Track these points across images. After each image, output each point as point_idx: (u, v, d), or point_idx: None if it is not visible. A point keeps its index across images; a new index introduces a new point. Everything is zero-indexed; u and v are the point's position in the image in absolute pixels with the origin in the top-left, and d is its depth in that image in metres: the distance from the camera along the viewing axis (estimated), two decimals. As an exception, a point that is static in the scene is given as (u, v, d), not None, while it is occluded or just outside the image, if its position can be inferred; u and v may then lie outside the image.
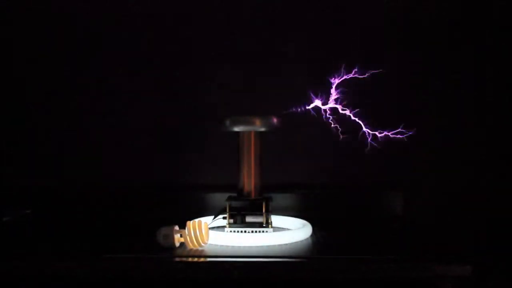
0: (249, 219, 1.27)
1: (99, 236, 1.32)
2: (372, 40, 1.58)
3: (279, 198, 1.49)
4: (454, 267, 1.03)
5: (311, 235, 1.28)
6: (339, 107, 1.29)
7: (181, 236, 1.15)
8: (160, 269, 1.06)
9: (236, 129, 1.30)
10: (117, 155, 1.61)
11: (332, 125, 1.29)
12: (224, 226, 1.28)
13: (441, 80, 1.60)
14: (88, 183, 1.60)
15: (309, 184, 1.60)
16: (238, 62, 1.60)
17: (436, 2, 1.58)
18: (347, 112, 1.29)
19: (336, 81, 1.30)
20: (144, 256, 1.09)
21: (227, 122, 1.29)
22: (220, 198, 1.43)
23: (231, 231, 1.26)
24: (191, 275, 1.07)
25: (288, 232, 1.24)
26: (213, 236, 1.19)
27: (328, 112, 1.29)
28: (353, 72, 1.30)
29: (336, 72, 1.30)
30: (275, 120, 1.30)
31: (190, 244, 1.15)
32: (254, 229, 1.26)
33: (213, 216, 1.31)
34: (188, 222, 1.16)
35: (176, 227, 1.16)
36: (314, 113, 1.30)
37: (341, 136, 1.29)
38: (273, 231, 1.26)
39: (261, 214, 1.27)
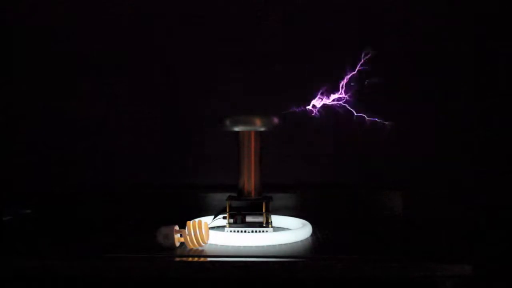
0: (249, 219, 1.27)
1: (99, 236, 1.32)
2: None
3: (279, 198, 1.49)
4: (454, 267, 1.03)
5: (311, 235, 1.28)
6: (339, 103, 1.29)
7: (181, 236, 1.15)
8: (160, 269, 1.06)
9: (236, 129, 1.29)
10: (117, 155, 1.61)
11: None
12: (224, 226, 1.28)
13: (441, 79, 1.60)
14: (88, 183, 1.60)
15: (309, 184, 1.60)
16: (238, 62, 1.60)
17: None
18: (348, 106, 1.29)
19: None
20: (144, 256, 1.09)
21: (227, 122, 1.29)
22: (220, 198, 1.43)
23: (231, 231, 1.26)
24: (191, 275, 1.07)
25: (288, 232, 1.24)
26: (213, 236, 1.19)
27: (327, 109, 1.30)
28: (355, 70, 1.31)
29: (335, 72, 1.31)
30: (275, 119, 1.30)
31: (190, 244, 1.15)
32: (254, 229, 1.26)
33: (213, 216, 1.31)
34: (188, 222, 1.16)
35: (176, 227, 1.16)
36: (314, 113, 1.30)
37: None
38: (273, 231, 1.26)
39: (261, 214, 1.27)
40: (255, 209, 1.27)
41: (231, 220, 1.28)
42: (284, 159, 1.59)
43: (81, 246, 1.22)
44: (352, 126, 1.34)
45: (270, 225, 1.27)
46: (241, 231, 1.26)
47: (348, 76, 1.30)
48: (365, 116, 1.32)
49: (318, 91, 1.30)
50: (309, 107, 1.30)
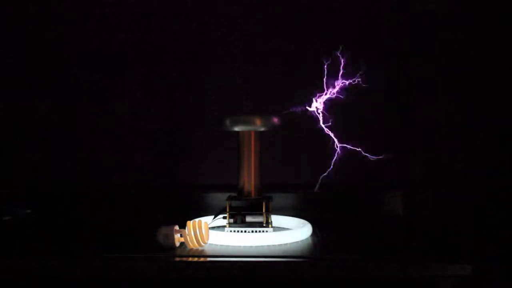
0: (249, 219, 1.27)
1: (99, 236, 1.32)
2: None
3: (279, 198, 1.49)
4: (454, 267, 1.03)
5: (311, 235, 1.28)
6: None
7: (181, 236, 1.15)
8: (160, 269, 1.06)
9: (236, 129, 1.29)
10: (117, 155, 1.61)
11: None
12: (224, 226, 1.28)
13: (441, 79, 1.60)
14: (88, 183, 1.60)
15: (309, 184, 1.60)
16: (237, 62, 1.60)
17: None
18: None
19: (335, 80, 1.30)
20: (144, 256, 1.09)
21: (227, 122, 1.29)
22: (220, 198, 1.43)
23: (231, 231, 1.26)
24: (191, 275, 1.07)
25: (288, 232, 1.24)
26: (213, 236, 1.19)
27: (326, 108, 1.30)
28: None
29: (334, 71, 1.31)
30: (275, 119, 1.30)
31: (190, 244, 1.15)
32: (254, 229, 1.26)
33: (213, 216, 1.31)
34: (188, 222, 1.16)
35: (176, 227, 1.16)
36: (314, 112, 1.30)
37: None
38: (273, 231, 1.26)
39: (261, 214, 1.27)
40: (255, 209, 1.27)
41: (231, 220, 1.27)
42: (284, 159, 1.59)
43: (81, 246, 1.22)
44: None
45: (270, 225, 1.27)
46: (241, 231, 1.26)
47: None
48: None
49: (318, 91, 1.30)
50: (310, 108, 1.30)
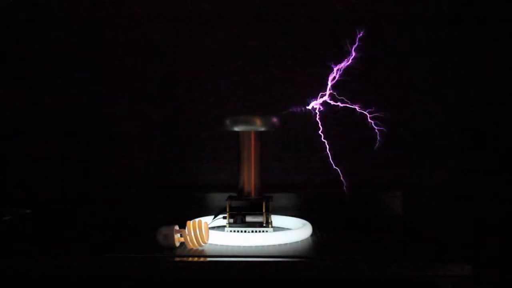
0: (249, 219, 1.27)
1: (99, 236, 1.32)
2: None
3: (279, 198, 1.49)
4: (454, 267, 1.03)
5: (311, 235, 1.28)
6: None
7: (181, 236, 1.15)
8: (160, 269, 1.06)
9: (236, 129, 1.29)
10: (116, 155, 1.61)
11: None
12: (224, 226, 1.28)
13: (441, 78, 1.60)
14: (88, 183, 1.60)
15: (309, 184, 1.60)
16: (237, 62, 1.60)
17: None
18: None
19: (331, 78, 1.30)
20: (144, 256, 1.09)
21: (227, 122, 1.29)
22: (220, 198, 1.43)
23: (231, 231, 1.26)
24: (191, 275, 1.07)
25: (288, 232, 1.24)
26: (213, 236, 1.19)
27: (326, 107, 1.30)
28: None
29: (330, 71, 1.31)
30: (275, 120, 1.30)
31: (190, 244, 1.15)
32: (254, 229, 1.26)
33: (213, 216, 1.31)
34: (188, 222, 1.16)
35: (176, 227, 1.16)
36: (314, 112, 1.30)
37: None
38: (273, 231, 1.26)
39: (261, 214, 1.27)
40: (255, 209, 1.27)
41: (231, 220, 1.27)
42: (284, 159, 1.59)
43: (81, 246, 1.22)
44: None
45: (270, 225, 1.27)
46: (241, 231, 1.26)
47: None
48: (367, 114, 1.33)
49: (317, 91, 1.30)
50: (309, 107, 1.30)
